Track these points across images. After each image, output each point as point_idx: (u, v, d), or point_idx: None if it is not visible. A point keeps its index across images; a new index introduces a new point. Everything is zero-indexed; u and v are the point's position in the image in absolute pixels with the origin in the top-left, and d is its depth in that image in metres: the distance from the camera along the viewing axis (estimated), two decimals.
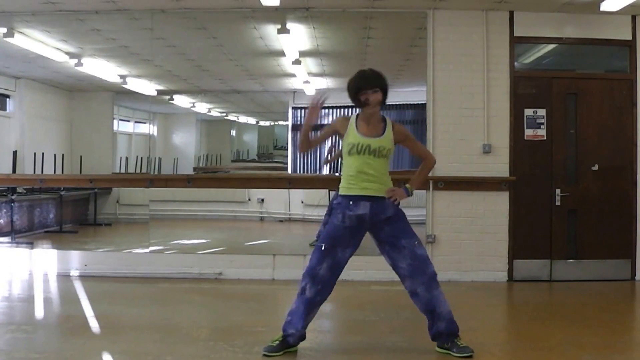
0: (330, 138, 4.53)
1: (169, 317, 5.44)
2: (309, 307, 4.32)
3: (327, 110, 12.56)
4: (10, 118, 10.77)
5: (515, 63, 7.10)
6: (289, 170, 12.46)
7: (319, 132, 4.53)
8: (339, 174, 4.53)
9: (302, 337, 4.38)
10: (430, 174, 6.88)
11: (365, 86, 4.28)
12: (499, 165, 7.01)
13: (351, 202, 4.29)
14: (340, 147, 4.56)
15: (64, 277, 6.98)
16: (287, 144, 12.91)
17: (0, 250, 7.79)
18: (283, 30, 7.53)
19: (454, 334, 4.32)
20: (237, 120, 15.19)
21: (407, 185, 4.40)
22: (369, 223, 4.30)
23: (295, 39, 8.00)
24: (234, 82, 11.80)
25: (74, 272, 7.10)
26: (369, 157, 4.27)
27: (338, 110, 9.46)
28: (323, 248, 4.31)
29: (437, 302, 4.28)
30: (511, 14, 7.02)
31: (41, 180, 7.93)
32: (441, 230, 7.01)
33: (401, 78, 10.65)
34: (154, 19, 7.26)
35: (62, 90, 11.87)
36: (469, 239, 6.98)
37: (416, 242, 4.31)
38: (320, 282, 4.29)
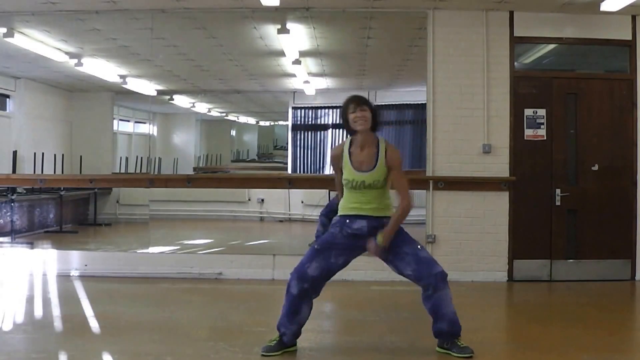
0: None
1: (169, 317, 5.44)
2: (295, 304, 4.31)
3: (326, 110, 12.62)
4: (10, 118, 10.77)
5: (515, 63, 7.10)
6: (289, 170, 12.49)
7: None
8: None
9: (297, 335, 4.37)
10: (430, 174, 6.95)
11: (353, 104, 4.31)
12: (499, 165, 7.00)
13: (347, 220, 4.34)
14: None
15: (64, 277, 6.98)
16: (287, 144, 12.92)
17: (0, 250, 7.79)
18: (283, 30, 7.52)
19: (455, 334, 4.32)
20: (237, 120, 15.21)
21: (378, 237, 4.27)
22: (367, 237, 4.31)
23: (295, 39, 8.00)
24: (234, 82, 11.81)
25: (74, 272, 7.10)
26: (365, 191, 4.30)
27: (338, 110, 9.44)
28: (315, 248, 4.36)
29: (442, 302, 4.28)
30: (511, 14, 7.02)
31: (41, 180, 7.93)
32: (441, 230, 7.00)
33: (401, 78, 10.68)
34: (154, 19, 7.25)
35: (62, 90, 11.88)
36: (469, 239, 6.98)
37: (419, 247, 4.33)
38: (307, 281, 4.29)
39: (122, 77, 10.59)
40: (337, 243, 4.34)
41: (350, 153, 4.36)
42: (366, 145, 4.34)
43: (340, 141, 4.49)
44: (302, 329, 4.39)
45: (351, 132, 4.39)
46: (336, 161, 4.43)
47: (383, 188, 4.33)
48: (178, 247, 8.35)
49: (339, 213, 4.41)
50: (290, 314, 4.32)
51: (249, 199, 11.71)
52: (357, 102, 4.33)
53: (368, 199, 4.31)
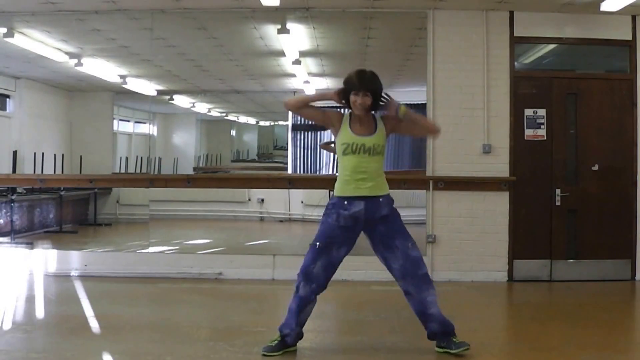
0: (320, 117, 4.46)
1: (169, 317, 5.44)
2: (302, 305, 4.33)
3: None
4: (10, 118, 10.77)
5: (515, 63, 7.10)
6: (289, 170, 12.46)
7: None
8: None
9: (300, 336, 4.39)
10: (430, 174, 6.96)
11: (356, 88, 4.28)
12: (499, 165, 7.00)
13: (345, 202, 4.29)
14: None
15: (64, 277, 6.98)
16: (287, 144, 12.90)
17: (0, 250, 7.79)
18: (283, 30, 7.53)
19: (449, 333, 4.33)
20: (237, 120, 15.18)
21: (402, 107, 4.34)
22: (363, 222, 4.31)
23: (295, 39, 8.00)
24: (234, 82, 11.80)
25: (74, 272, 7.10)
26: (364, 156, 4.27)
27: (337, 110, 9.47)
28: (317, 247, 4.33)
29: (427, 303, 4.29)
30: (511, 14, 7.02)
31: (41, 180, 7.92)
32: (441, 230, 7.00)
33: (401, 78, 10.65)
34: (154, 19, 7.26)
35: (61, 90, 11.87)
36: (469, 239, 6.98)
37: (410, 244, 4.31)
38: (314, 280, 4.31)
39: (122, 77, 10.59)
40: (336, 236, 4.31)
41: (350, 124, 4.35)
42: (364, 120, 4.36)
43: None
44: (303, 328, 4.40)
45: (348, 106, 4.36)
46: (333, 117, 4.38)
47: (380, 159, 4.31)
48: (178, 247, 8.35)
49: (335, 194, 4.36)
50: (298, 314, 4.33)
51: (249, 199, 11.70)
52: (364, 86, 4.26)
53: (366, 170, 4.26)
